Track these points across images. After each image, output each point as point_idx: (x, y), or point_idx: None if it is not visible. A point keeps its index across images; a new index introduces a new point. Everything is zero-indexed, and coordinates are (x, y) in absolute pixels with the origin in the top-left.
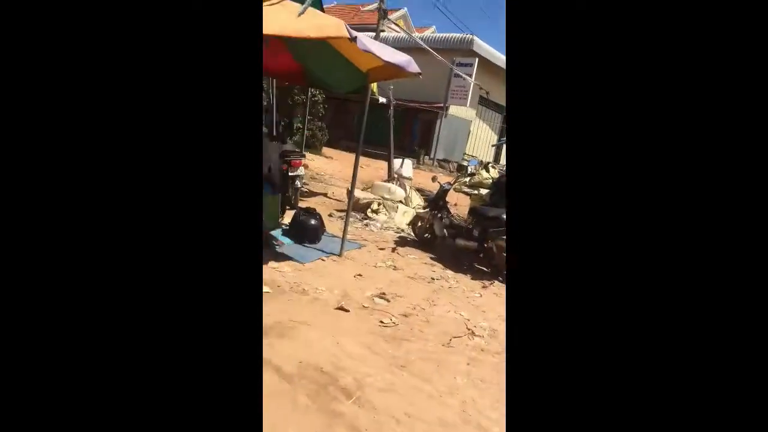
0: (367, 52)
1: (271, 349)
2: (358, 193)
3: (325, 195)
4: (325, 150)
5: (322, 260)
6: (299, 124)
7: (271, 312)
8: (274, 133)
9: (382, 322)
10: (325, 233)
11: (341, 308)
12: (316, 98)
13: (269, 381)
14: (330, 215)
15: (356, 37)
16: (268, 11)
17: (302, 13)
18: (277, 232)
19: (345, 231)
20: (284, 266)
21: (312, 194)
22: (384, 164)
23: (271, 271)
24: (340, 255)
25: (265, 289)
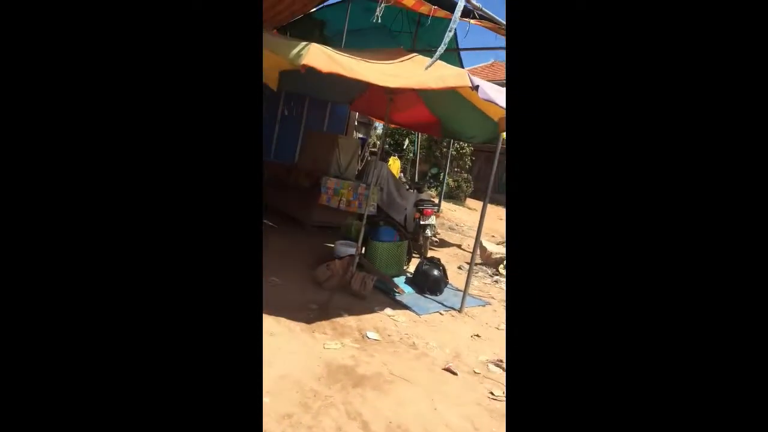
0: (489, 101)
1: (363, 402)
2: (491, 246)
3: (458, 246)
4: (469, 201)
5: (440, 314)
6: (443, 175)
7: (372, 362)
8: (415, 181)
9: (492, 393)
10: (448, 285)
11: (449, 370)
12: (464, 150)
13: None
14: (459, 267)
15: (478, 86)
16: (398, 67)
17: (429, 66)
18: (399, 279)
19: (467, 285)
20: (400, 315)
21: (445, 244)
22: None
23: (385, 318)
24: (459, 311)
25: (374, 335)
